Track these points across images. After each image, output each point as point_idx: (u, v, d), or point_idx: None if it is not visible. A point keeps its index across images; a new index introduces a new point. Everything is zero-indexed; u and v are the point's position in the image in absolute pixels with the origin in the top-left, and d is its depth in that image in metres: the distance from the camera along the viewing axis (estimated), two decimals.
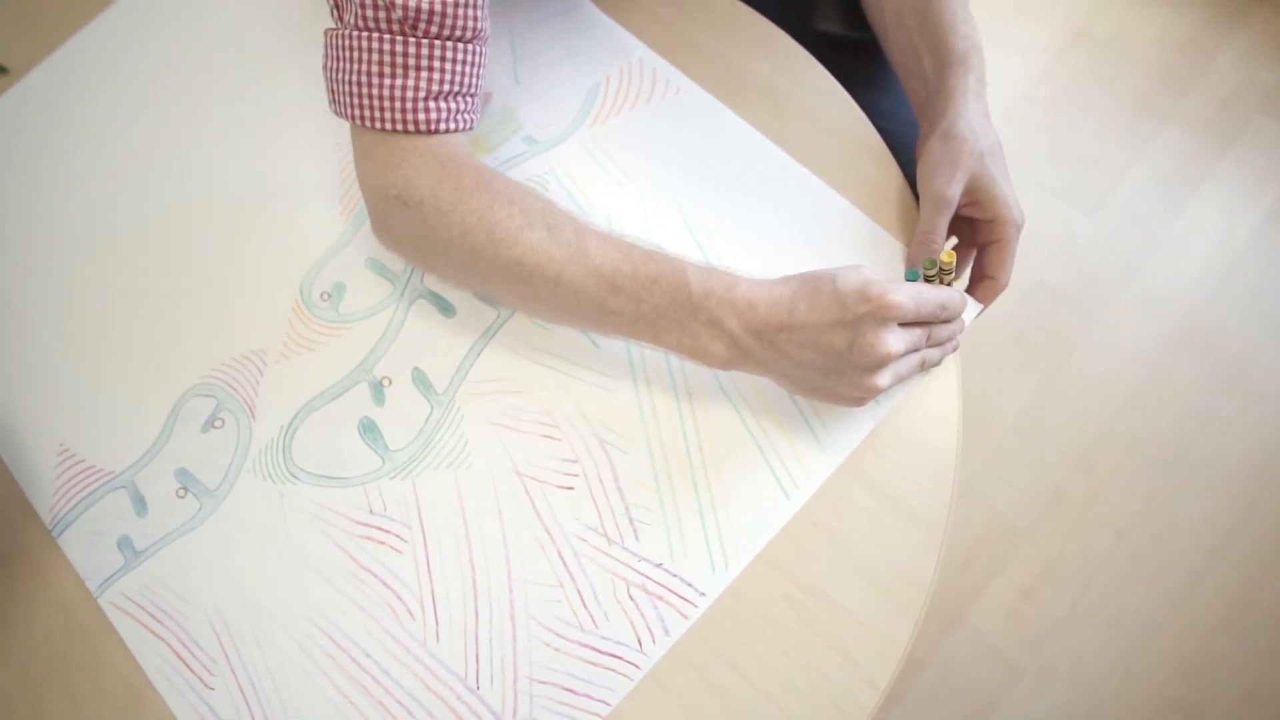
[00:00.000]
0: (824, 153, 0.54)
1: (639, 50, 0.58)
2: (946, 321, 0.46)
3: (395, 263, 0.55)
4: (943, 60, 0.51)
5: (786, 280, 0.44)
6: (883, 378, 0.43)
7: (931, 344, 0.46)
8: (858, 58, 0.66)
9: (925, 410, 0.49)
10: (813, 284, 0.43)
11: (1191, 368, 1.13)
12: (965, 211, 0.50)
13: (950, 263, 0.47)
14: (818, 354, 0.43)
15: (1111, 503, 1.09)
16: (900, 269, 0.52)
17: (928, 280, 0.47)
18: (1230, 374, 1.12)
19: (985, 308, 0.50)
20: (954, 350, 0.48)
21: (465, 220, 0.45)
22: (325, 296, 0.55)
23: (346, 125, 0.59)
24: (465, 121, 0.48)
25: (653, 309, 0.44)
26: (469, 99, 0.48)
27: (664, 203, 0.54)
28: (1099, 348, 1.16)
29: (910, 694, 1.02)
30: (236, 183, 0.59)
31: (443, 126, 0.46)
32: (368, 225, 0.56)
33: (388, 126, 0.46)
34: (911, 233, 0.52)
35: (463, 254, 0.46)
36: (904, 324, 0.43)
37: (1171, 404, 1.12)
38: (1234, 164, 1.22)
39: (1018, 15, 1.32)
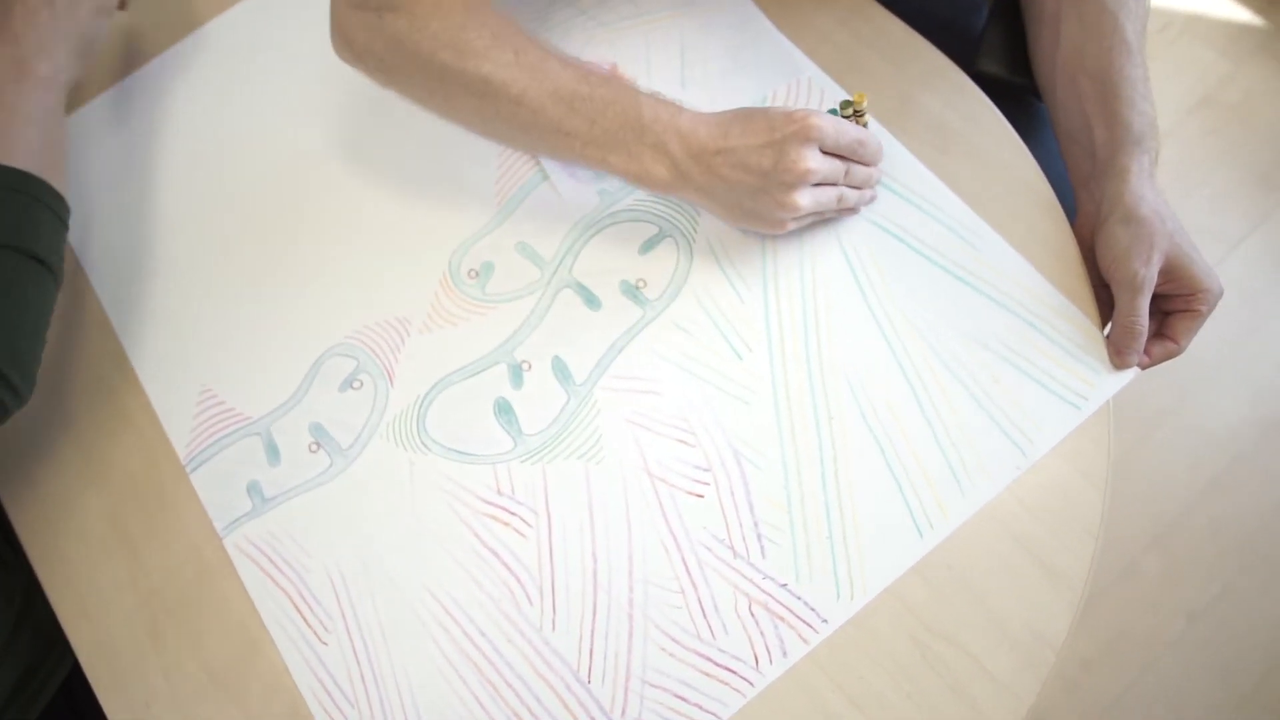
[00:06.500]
0: (988, 195, 0.54)
1: (809, 69, 0.58)
2: (863, 164, 0.50)
3: (546, 249, 0.56)
4: (1117, 137, 0.50)
5: (724, 112, 0.48)
6: (804, 196, 0.47)
7: (850, 183, 0.50)
8: (1013, 103, 0.65)
9: (1074, 468, 0.48)
10: (746, 113, 0.48)
11: None
12: (1162, 289, 0.49)
13: (862, 103, 0.53)
14: (747, 174, 0.47)
15: (1186, 585, 1.05)
16: (1092, 340, 0.50)
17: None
18: None
19: (1143, 368, 0.49)
20: (871, 200, 0.53)
21: (439, 35, 0.47)
22: (473, 274, 0.56)
23: None
24: None
25: (604, 132, 0.47)
26: None
27: (820, 229, 0.54)
28: (1188, 424, 1.12)
29: None
30: (399, 156, 0.60)
31: None
32: (522, 208, 0.57)
33: None
34: (1074, 288, 0.51)
35: (431, 69, 0.48)
36: (826, 152, 0.47)
37: (1263, 493, 1.08)
38: None
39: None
